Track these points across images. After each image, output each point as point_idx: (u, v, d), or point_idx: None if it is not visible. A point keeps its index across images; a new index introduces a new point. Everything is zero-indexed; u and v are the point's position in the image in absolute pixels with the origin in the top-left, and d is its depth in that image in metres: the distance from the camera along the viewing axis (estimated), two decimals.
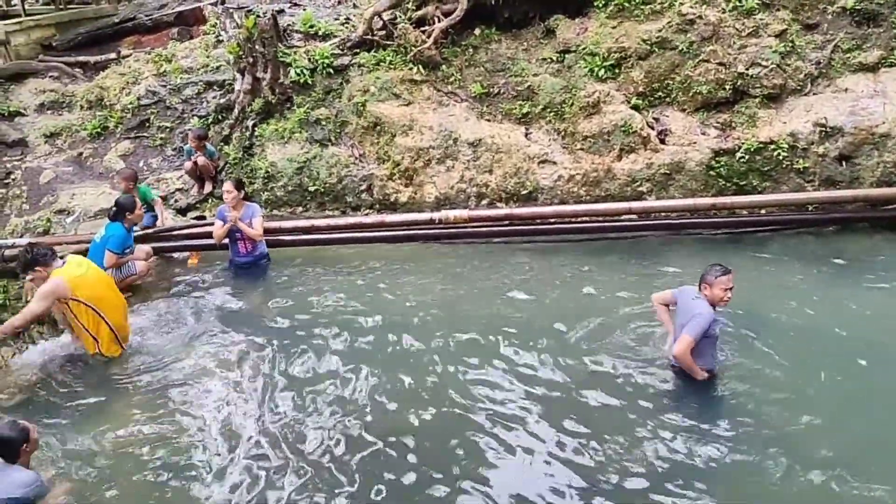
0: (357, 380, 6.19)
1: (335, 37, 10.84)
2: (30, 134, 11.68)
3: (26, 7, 15.30)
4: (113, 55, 13.50)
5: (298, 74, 10.26)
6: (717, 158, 9.07)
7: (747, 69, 9.17)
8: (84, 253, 7.84)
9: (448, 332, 6.82)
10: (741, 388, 5.81)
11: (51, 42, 14.32)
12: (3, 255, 8.63)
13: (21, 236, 9.29)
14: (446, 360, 6.41)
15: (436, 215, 8.86)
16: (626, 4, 9.69)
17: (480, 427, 5.54)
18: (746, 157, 8.97)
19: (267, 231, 8.28)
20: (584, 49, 9.82)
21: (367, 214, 9.70)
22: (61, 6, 15.77)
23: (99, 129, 11.51)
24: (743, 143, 8.99)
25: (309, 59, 10.38)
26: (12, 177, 10.77)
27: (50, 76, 13.26)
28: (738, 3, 9.37)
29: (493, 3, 10.15)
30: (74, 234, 9.12)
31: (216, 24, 12.48)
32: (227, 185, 7.99)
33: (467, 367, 6.28)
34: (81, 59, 13.78)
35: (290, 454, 5.36)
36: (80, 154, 11.25)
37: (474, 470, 5.13)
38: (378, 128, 9.87)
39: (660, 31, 9.44)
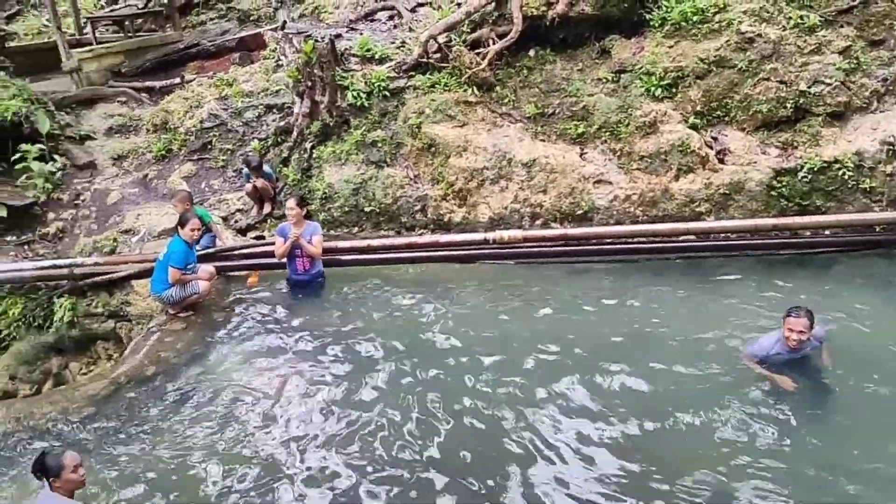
0: (408, 399, 6.24)
1: (391, 60, 11.00)
2: (99, 156, 12.14)
3: (97, 35, 15.99)
4: (177, 80, 13.95)
5: (355, 97, 10.43)
6: (778, 178, 8.88)
7: (809, 87, 8.97)
8: (149, 272, 8.11)
9: (500, 353, 6.81)
10: (807, 412, 5.72)
11: (120, 68, 14.88)
12: (73, 273, 8.98)
13: (89, 255, 9.64)
14: (497, 380, 6.40)
15: (489, 235, 8.86)
16: (683, 24, 9.58)
17: (531, 452, 5.52)
18: (809, 176, 8.76)
19: (324, 250, 8.41)
20: (640, 69, 9.75)
21: (421, 234, 9.76)
22: (130, 34, 16.41)
23: (163, 152, 11.89)
24: (806, 163, 8.78)
25: (365, 83, 10.55)
26: (82, 198, 11.20)
27: (118, 101, 13.76)
28: (799, 21, 9.18)
29: (547, 24, 10.18)
30: (139, 253, 9.39)
31: (276, 48, 12.82)
32: (291, 203, 8.17)
33: (519, 389, 6.26)
34: (148, 84, 14.29)
35: (340, 472, 5.43)
36: (146, 175, 11.63)
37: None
38: (433, 149, 9.95)
39: (718, 49, 9.31)
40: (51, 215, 10.87)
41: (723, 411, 5.76)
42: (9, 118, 11.07)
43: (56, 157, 11.52)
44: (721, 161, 9.21)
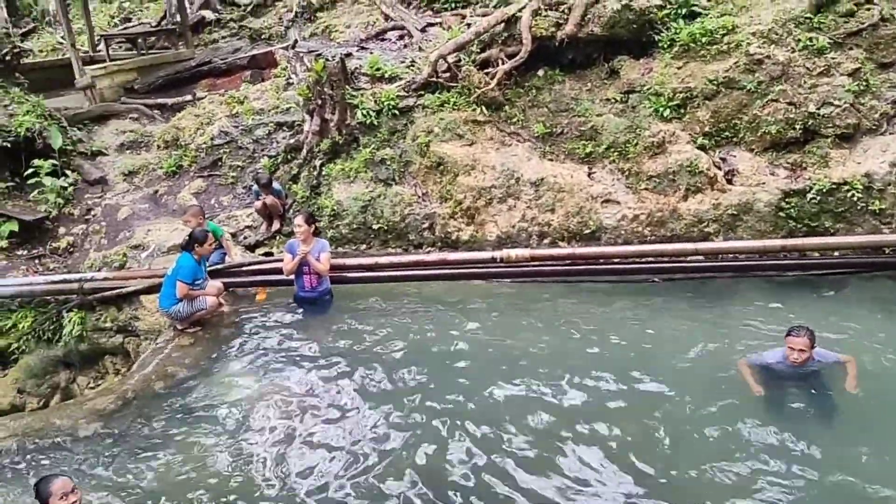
0: (416, 417, 6.24)
1: (401, 79, 11.08)
2: (110, 172, 12.24)
3: (111, 53, 16.19)
4: (189, 97, 14.09)
5: (365, 116, 10.50)
6: (787, 199, 8.87)
7: (818, 109, 8.98)
8: (158, 288, 8.15)
9: (507, 372, 6.79)
10: (806, 429, 5.75)
11: (132, 85, 15.05)
12: (82, 287, 9.03)
13: (99, 270, 9.71)
14: (504, 398, 6.38)
15: (497, 254, 8.87)
16: (692, 45, 9.63)
17: (539, 469, 5.50)
18: (818, 197, 8.74)
19: (332, 267, 8.42)
20: (648, 89, 9.79)
21: (428, 252, 9.77)
22: (143, 52, 16.62)
23: (174, 168, 11.97)
24: (814, 184, 8.77)
25: (375, 101, 10.62)
26: (93, 213, 11.29)
27: (130, 117, 13.90)
28: (808, 43, 9.20)
29: (556, 45, 10.24)
30: (148, 268, 9.44)
31: (287, 67, 12.94)
32: (299, 220, 8.20)
33: (526, 407, 6.24)
34: (160, 101, 14.42)
35: (344, 490, 5.44)
36: (156, 191, 11.71)
37: None
38: (441, 167, 9.99)
39: (727, 71, 9.35)
40: (62, 230, 10.96)
41: (727, 428, 5.79)
42: (22, 133, 11.19)
43: (68, 172, 11.63)
44: (729, 182, 9.22)
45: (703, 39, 9.57)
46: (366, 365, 7.07)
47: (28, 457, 6.10)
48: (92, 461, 5.99)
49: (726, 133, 9.44)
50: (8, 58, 12.21)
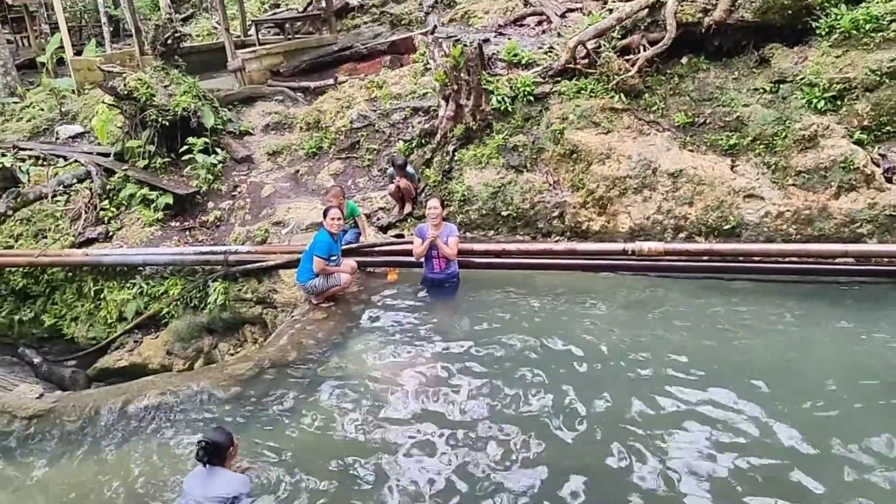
0: (533, 402, 6.22)
1: (537, 65, 10.99)
2: (256, 151, 12.89)
3: (260, 37, 17.00)
4: (331, 81, 14.58)
5: (500, 102, 10.50)
6: None
7: None
8: (296, 263, 8.53)
9: (629, 372, 6.61)
10: None
11: (278, 68, 15.75)
12: (227, 259, 9.60)
13: (242, 244, 10.26)
14: (622, 399, 6.20)
15: (629, 246, 8.65)
16: (854, 32, 8.96)
17: (655, 468, 5.35)
18: None
19: (460, 252, 8.51)
20: (801, 79, 9.21)
21: (557, 241, 9.68)
22: (289, 36, 17.35)
23: (315, 149, 12.45)
24: None
25: (510, 87, 10.59)
26: (238, 189, 11.94)
27: (276, 99, 14.56)
28: None
29: (702, 31, 9.82)
30: (287, 244, 9.89)
31: (425, 52, 13.11)
32: (434, 202, 8.35)
33: (649, 405, 6.06)
34: (303, 84, 15.02)
35: (469, 467, 5.50)
36: (297, 171, 12.22)
37: None
38: (574, 155, 9.85)
39: (893, 60, 8.64)
40: (210, 204, 11.65)
41: (874, 453, 5.37)
42: (179, 112, 11.97)
43: (218, 150, 12.35)
44: (889, 180, 8.54)
45: (867, 26, 8.88)
46: (489, 349, 7.10)
47: (174, 413, 6.56)
48: (228, 423, 6.35)
49: (888, 128, 8.75)
50: (169, 42, 13.05)
